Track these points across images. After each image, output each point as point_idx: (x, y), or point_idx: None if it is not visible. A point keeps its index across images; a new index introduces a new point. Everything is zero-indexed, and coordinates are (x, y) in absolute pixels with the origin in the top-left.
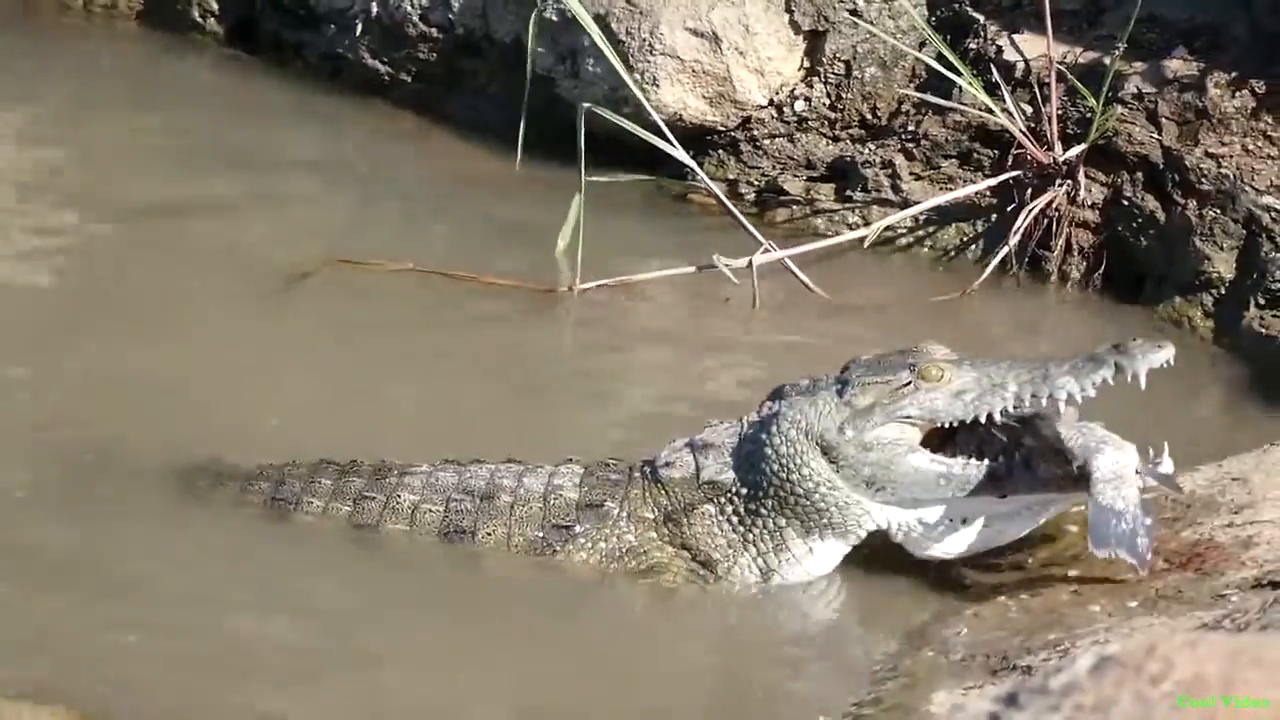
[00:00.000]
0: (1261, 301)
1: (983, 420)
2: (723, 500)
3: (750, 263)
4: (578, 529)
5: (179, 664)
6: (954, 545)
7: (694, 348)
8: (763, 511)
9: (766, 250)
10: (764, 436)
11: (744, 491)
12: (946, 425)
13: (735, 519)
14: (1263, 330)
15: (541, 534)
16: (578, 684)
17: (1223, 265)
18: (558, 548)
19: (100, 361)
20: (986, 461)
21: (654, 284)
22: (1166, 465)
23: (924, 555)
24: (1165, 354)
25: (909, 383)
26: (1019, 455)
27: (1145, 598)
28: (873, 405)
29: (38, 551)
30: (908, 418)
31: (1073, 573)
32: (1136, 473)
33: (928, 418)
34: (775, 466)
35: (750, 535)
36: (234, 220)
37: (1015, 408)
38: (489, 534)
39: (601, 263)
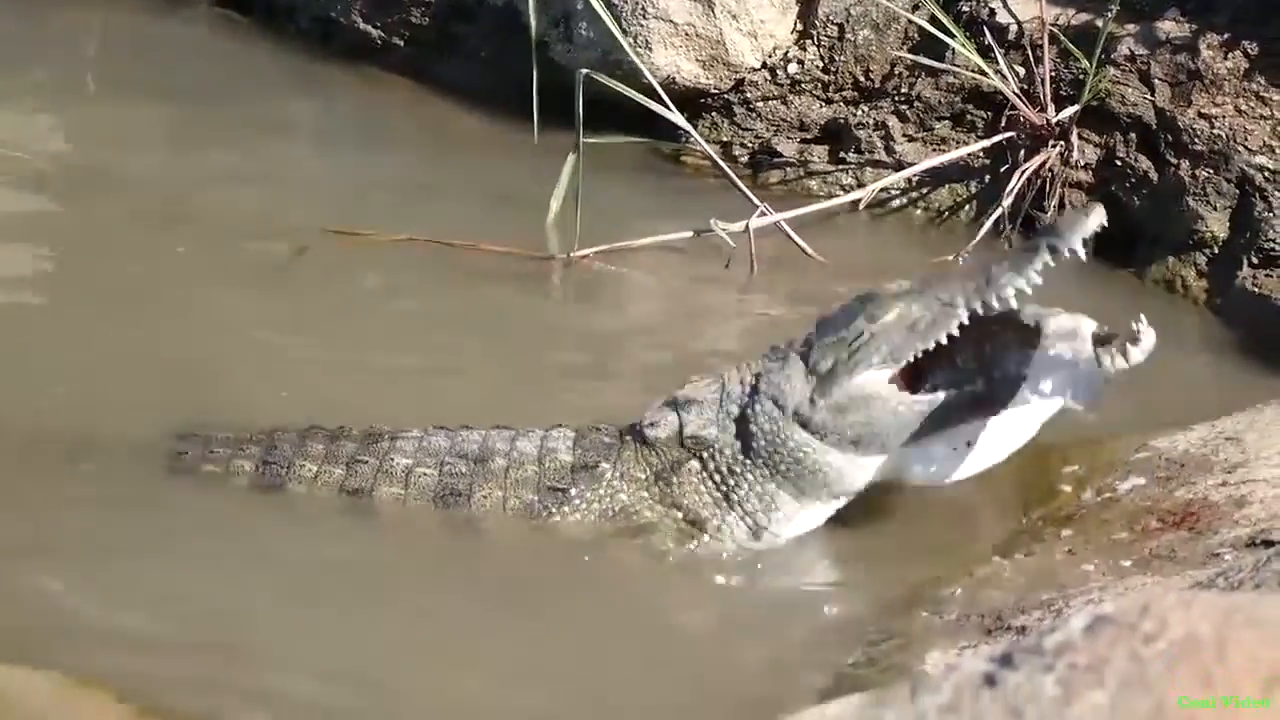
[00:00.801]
0: (1255, 261)
1: (943, 342)
2: (706, 456)
3: (747, 226)
4: (573, 491)
5: (172, 633)
6: (962, 472)
7: (691, 312)
8: (751, 476)
9: (762, 214)
10: (747, 411)
11: (727, 453)
12: (913, 360)
13: (719, 476)
14: (1256, 290)
15: (537, 497)
16: (570, 650)
17: (1216, 225)
18: (553, 509)
19: (97, 334)
20: (966, 387)
21: (650, 248)
22: (1146, 339)
23: (931, 484)
24: (1095, 219)
25: (863, 333)
26: (995, 370)
27: (1139, 557)
28: (835, 366)
29: (31, 522)
30: (870, 366)
31: (1066, 532)
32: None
33: (889, 360)
34: (762, 441)
35: (737, 494)
36: (228, 190)
37: (971, 321)
38: (485, 497)
39: (597, 227)
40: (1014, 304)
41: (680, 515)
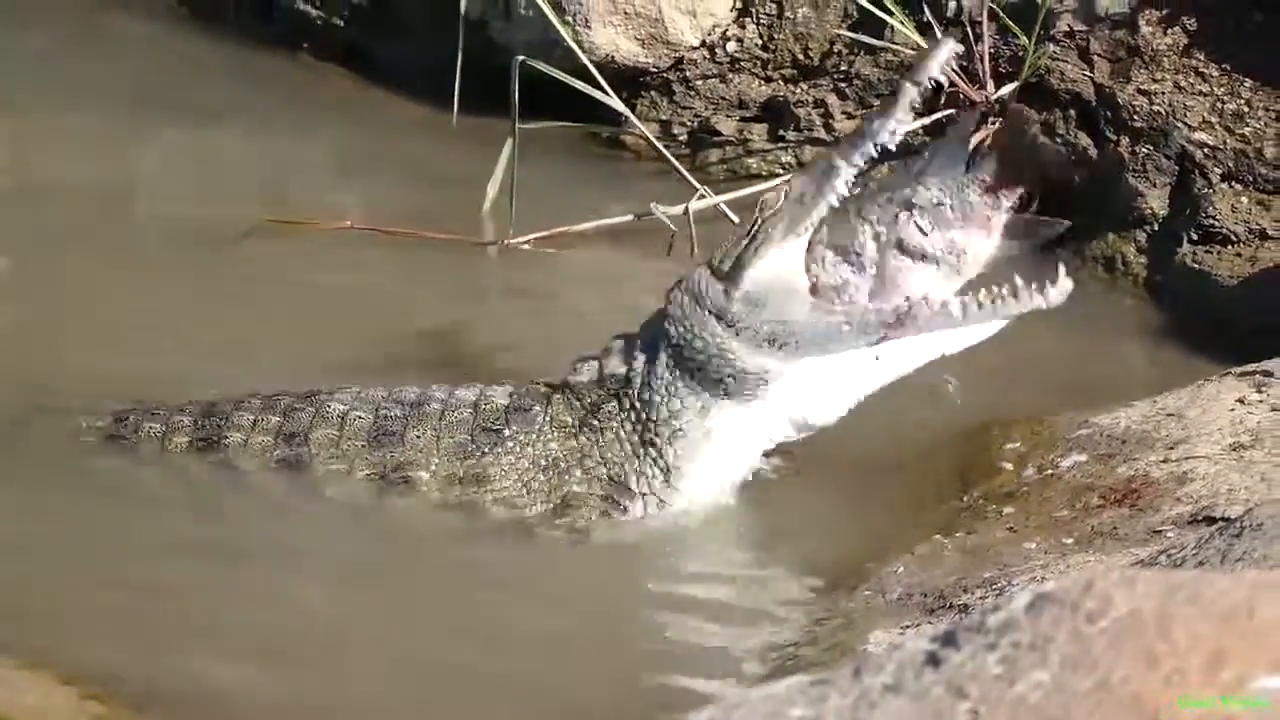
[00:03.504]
0: (1195, 238)
1: (835, 204)
2: (622, 395)
3: (687, 209)
4: (506, 432)
5: (112, 615)
6: (869, 386)
7: (632, 295)
8: (657, 398)
9: (702, 196)
10: (658, 322)
11: (638, 381)
12: (810, 230)
13: (635, 410)
14: (1196, 266)
15: (470, 437)
16: (501, 641)
17: (1155, 202)
18: (486, 450)
19: (35, 322)
20: (886, 304)
21: (591, 233)
22: (1064, 284)
23: (852, 405)
24: (947, 48)
25: (756, 221)
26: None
27: (1081, 534)
28: (739, 257)
29: None
30: (772, 244)
31: (1008, 510)
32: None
33: (791, 236)
34: (671, 348)
35: (650, 428)
36: (164, 181)
37: (857, 175)
38: (418, 436)
39: (535, 212)
40: (892, 145)
41: (605, 474)
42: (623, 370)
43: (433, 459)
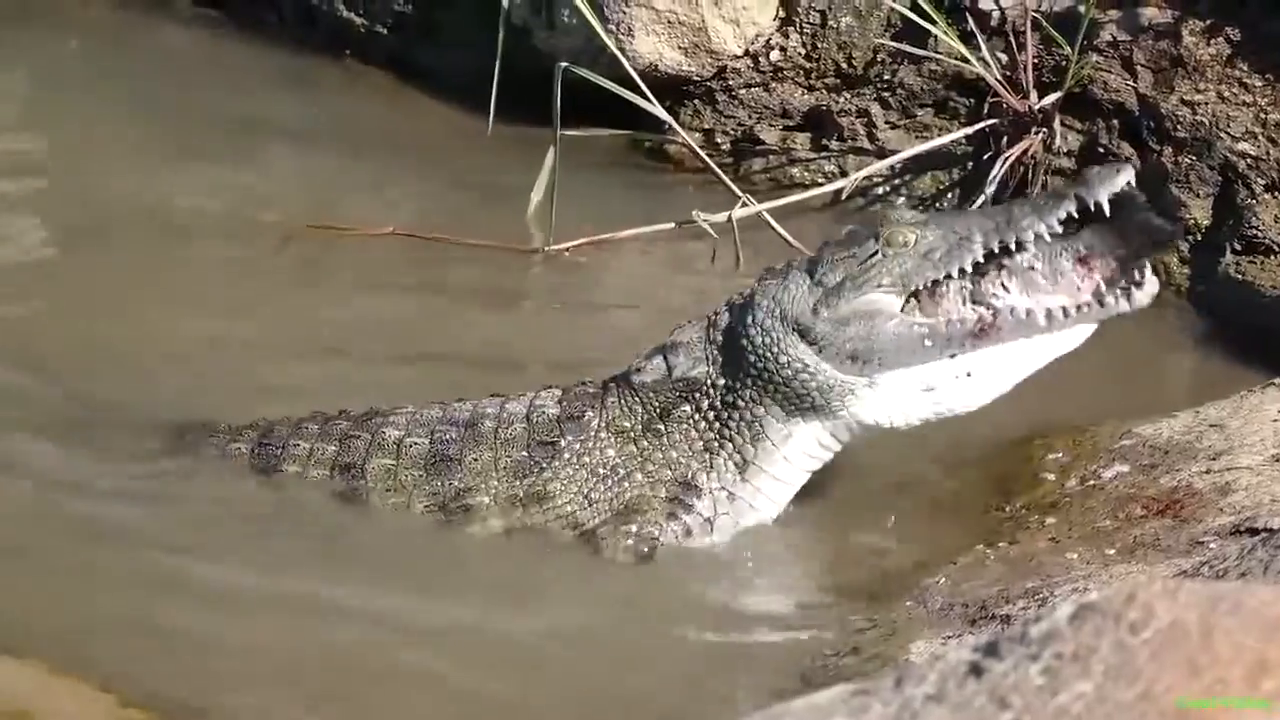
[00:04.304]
0: (1238, 248)
1: (955, 276)
2: (698, 396)
3: (730, 218)
4: (562, 443)
5: (162, 620)
6: (962, 403)
7: (675, 303)
8: (740, 402)
9: (745, 205)
10: (739, 327)
11: (720, 383)
12: (921, 287)
13: (712, 414)
14: (1239, 277)
15: (527, 453)
16: (555, 645)
17: (1199, 212)
18: (544, 465)
19: (86, 328)
20: (970, 311)
21: (634, 241)
22: (1150, 284)
23: (937, 417)
24: (1124, 176)
25: (876, 252)
26: (999, 300)
27: (1123, 545)
28: (843, 280)
29: (25, 507)
30: (879, 286)
31: (1050, 520)
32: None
33: (899, 284)
34: (753, 356)
35: (728, 430)
36: (209, 189)
37: (985, 258)
38: (475, 459)
39: (579, 220)
40: (1031, 247)
41: (670, 475)
42: (698, 373)
43: (492, 481)
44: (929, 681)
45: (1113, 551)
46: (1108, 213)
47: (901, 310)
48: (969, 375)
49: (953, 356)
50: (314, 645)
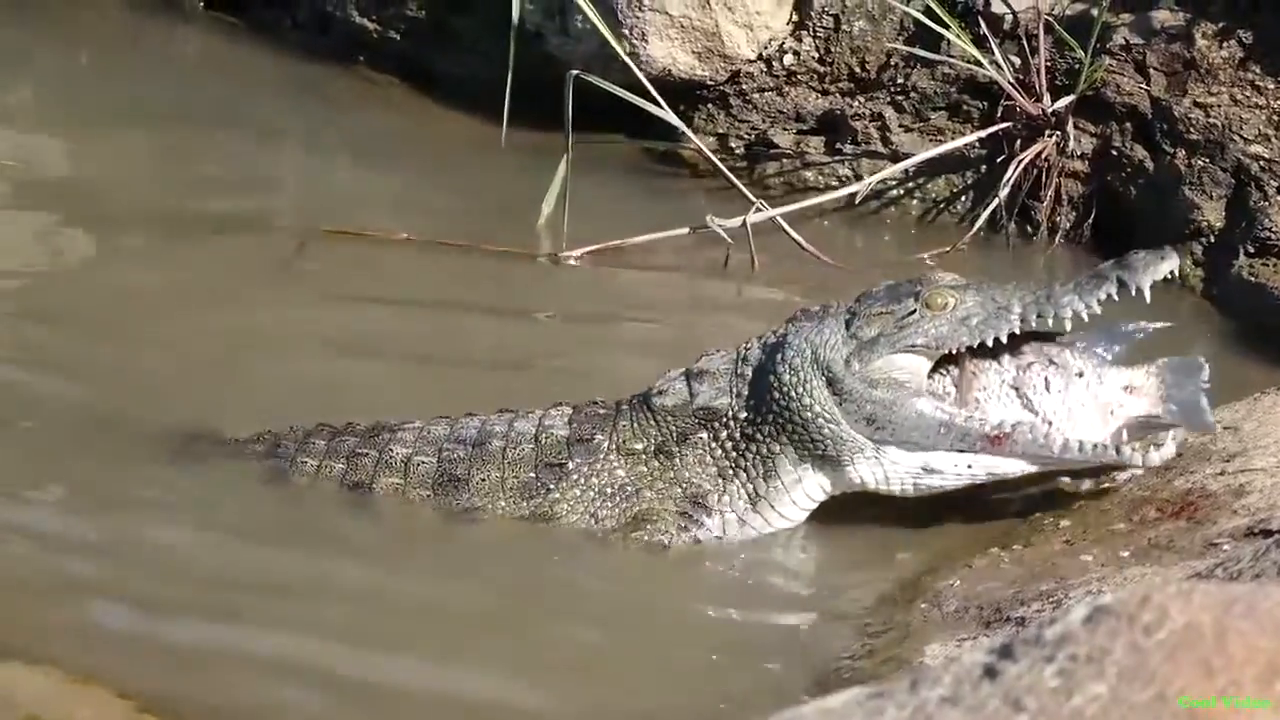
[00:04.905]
0: (1251, 250)
1: (989, 344)
2: (717, 426)
3: (744, 223)
4: (570, 465)
5: (167, 627)
6: (954, 486)
7: (689, 310)
8: (758, 437)
9: (759, 209)
10: (769, 363)
11: (742, 416)
12: (954, 352)
13: (730, 444)
14: (1252, 279)
15: (535, 474)
16: (570, 648)
17: (1212, 214)
18: (552, 486)
19: (99, 335)
20: (990, 416)
21: (649, 247)
22: (1168, 448)
23: (928, 492)
24: (1169, 264)
25: (913, 311)
26: (1034, 417)
27: (1137, 547)
28: (878, 336)
29: (36, 514)
30: (913, 347)
31: (1064, 523)
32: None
33: (934, 346)
34: (778, 394)
35: (743, 460)
36: (226, 194)
37: (1021, 329)
38: (483, 479)
39: (592, 226)
40: (1068, 326)
41: (680, 492)
42: (720, 403)
43: (499, 502)
44: (944, 684)
45: (1127, 554)
46: (1147, 299)
47: (932, 373)
48: (969, 468)
49: (961, 452)
50: (324, 650)
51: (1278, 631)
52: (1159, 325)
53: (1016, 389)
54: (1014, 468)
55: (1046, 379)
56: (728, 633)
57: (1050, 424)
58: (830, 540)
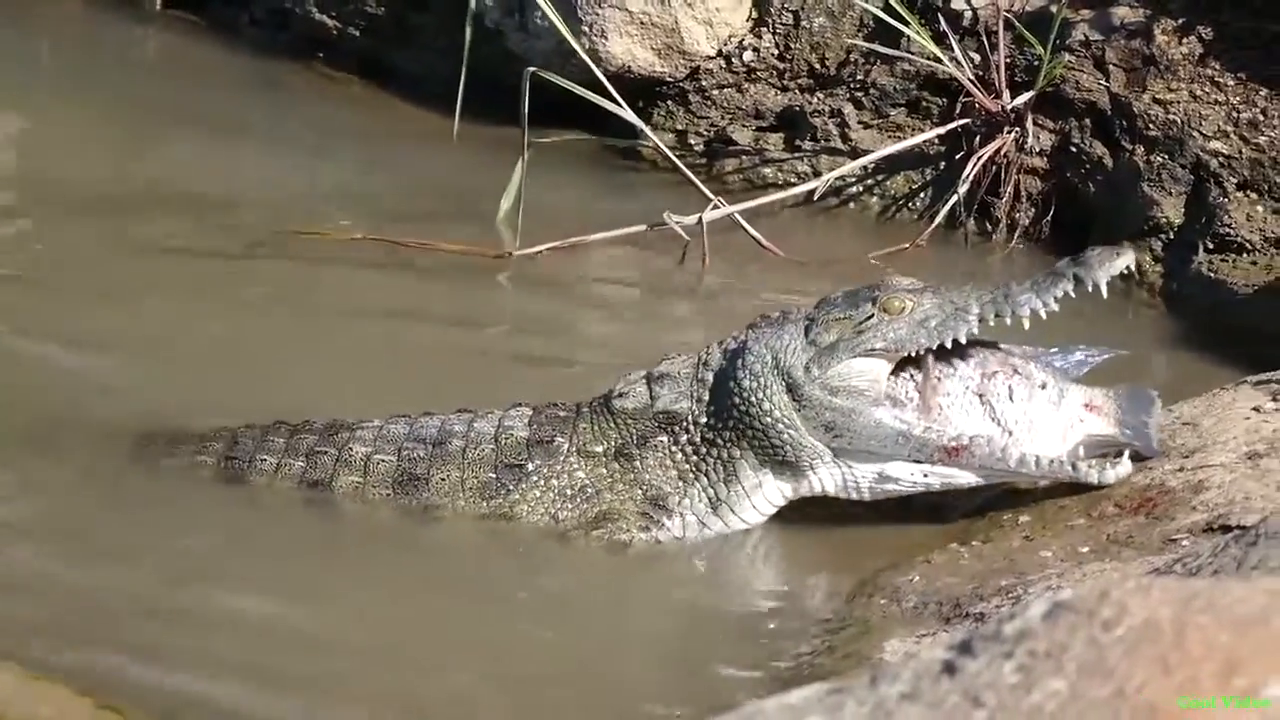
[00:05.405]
0: (1210, 246)
1: (949, 345)
2: (677, 430)
3: (700, 219)
4: (530, 467)
5: (136, 626)
6: (909, 492)
7: (646, 306)
8: (719, 441)
9: (716, 206)
10: (730, 368)
11: (702, 421)
12: (915, 354)
13: (690, 448)
14: (1211, 275)
15: (494, 475)
16: (530, 646)
17: (1171, 211)
18: (511, 487)
19: (58, 332)
20: (951, 425)
21: (605, 243)
22: (1123, 466)
23: (884, 497)
24: (1124, 260)
25: (871, 315)
26: (1002, 408)
27: (1096, 543)
28: (837, 342)
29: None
30: (871, 351)
31: (1024, 518)
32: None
33: (893, 348)
34: (738, 399)
35: (704, 465)
36: (184, 191)
37: (979, 329)
38: (443, 479)
39: (550, 223)
40: (1026, 324)
41: (641, 495)
42: (681, 407)
43: (459, 501)
44: (903, 680)
45: (1086, 549)
46: (1104, 294)
47: (896, 376)
48: (925, 478)
49: (918, 462)
50: (285, 646)
51: (1236, 627)
52: (1115, 353)
53: (980, 396)
54: (970, 479)
55: (1010, 388)
56: (688, 629)
57: (1011, 434)
58: (790, 536)
